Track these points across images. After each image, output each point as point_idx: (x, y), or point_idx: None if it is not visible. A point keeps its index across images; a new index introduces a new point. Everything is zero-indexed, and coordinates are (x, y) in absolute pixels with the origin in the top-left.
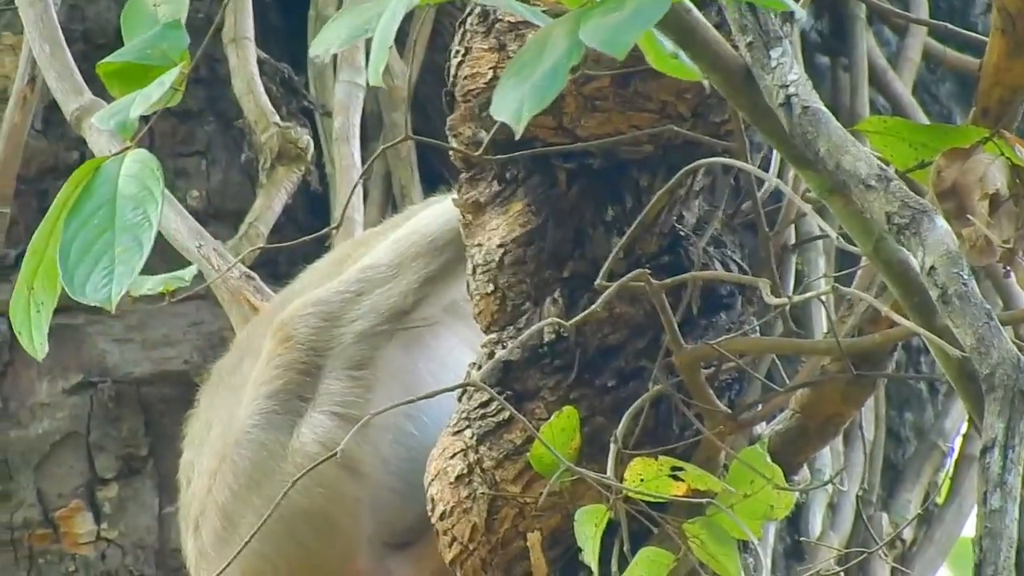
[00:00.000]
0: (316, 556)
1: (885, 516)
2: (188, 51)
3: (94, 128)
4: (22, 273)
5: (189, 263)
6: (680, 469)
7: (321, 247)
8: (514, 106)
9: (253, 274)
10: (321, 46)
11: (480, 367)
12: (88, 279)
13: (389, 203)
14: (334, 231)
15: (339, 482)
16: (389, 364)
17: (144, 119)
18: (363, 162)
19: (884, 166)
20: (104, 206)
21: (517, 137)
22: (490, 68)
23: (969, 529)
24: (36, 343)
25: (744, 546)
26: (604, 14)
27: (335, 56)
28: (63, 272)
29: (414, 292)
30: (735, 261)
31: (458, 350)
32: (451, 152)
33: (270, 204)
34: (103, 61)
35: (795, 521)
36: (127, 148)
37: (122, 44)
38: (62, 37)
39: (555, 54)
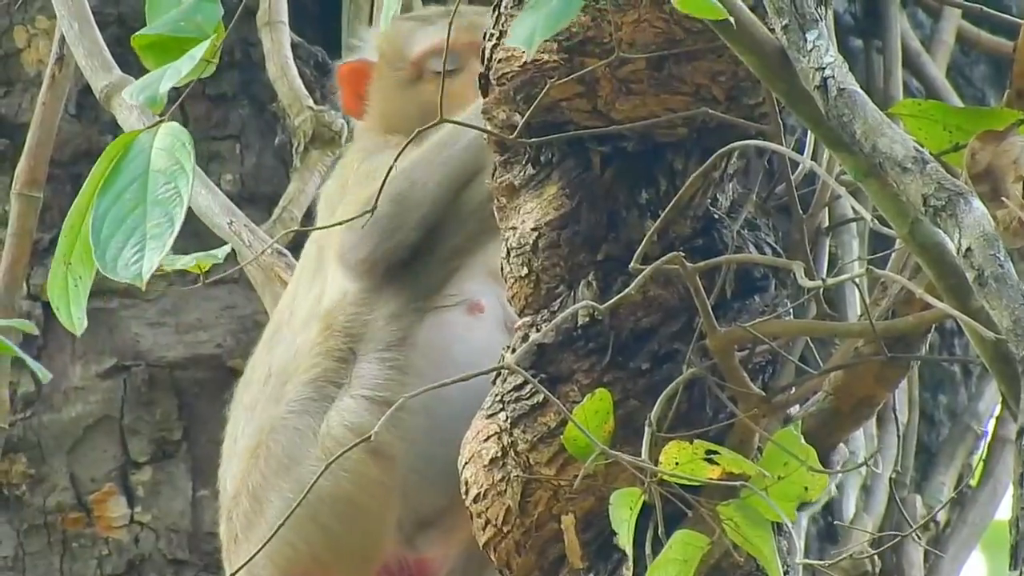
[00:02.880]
0: (341, 541)
1: (919, 498)
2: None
3: (124, 105)
4: (59, 248)
5: (222, 243)
6: (714, 452)
7: None
8: (527, 33)
9: (285, 251)
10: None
11: (514, 350)
12: (119, 255)
13: None
14: (368, 214)
15: (365, 466)
16: (421, 345)
17: (176, 95)
18: None
19: (920, 148)
20: (136, 180)
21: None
22: (524, 52)
23: (1003, 511)
24: (74, 318)
25: (778, 528)
26: None
27: None
28: (95, 248)
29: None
30: (769, 244)
31: (490, 332)
32: (485, 135)
33: (304, 187)
34: (138, 33)
35: (829, 504)
36: (160, 122)
37: None
38: (91, 15)
39: None
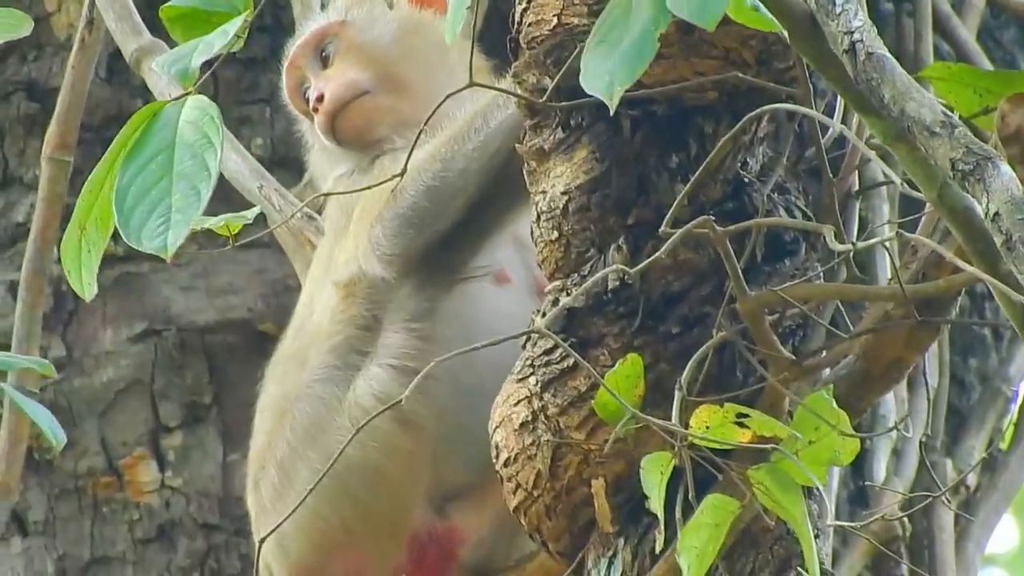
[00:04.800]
0: (371, 511)
1: (949, 462)
2: None
3: (153, 70)
4: (75, 213)
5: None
6: (745, 416)
7: None
8: (605, 79)
9: (315, 215)
10: None
11: (544, 314)
12: (144, 225)
13: None
14: (398, 179)
15: (393, 436)
16: (447, 316)
17: (206, 66)
18: None
19: (948, 112)
20: (163, 152)
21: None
22: (554, 15)
23: None
24: (84, 283)
25: (808, 492)
26: None
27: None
28: (119, 216)
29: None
30: (799, 207)
31: (517, 301)
32: (515, 99)
33: None
34: (166, 5)
35: (859, 467)
36: (187, 93)
37: None
38: None
39: (641, 21)
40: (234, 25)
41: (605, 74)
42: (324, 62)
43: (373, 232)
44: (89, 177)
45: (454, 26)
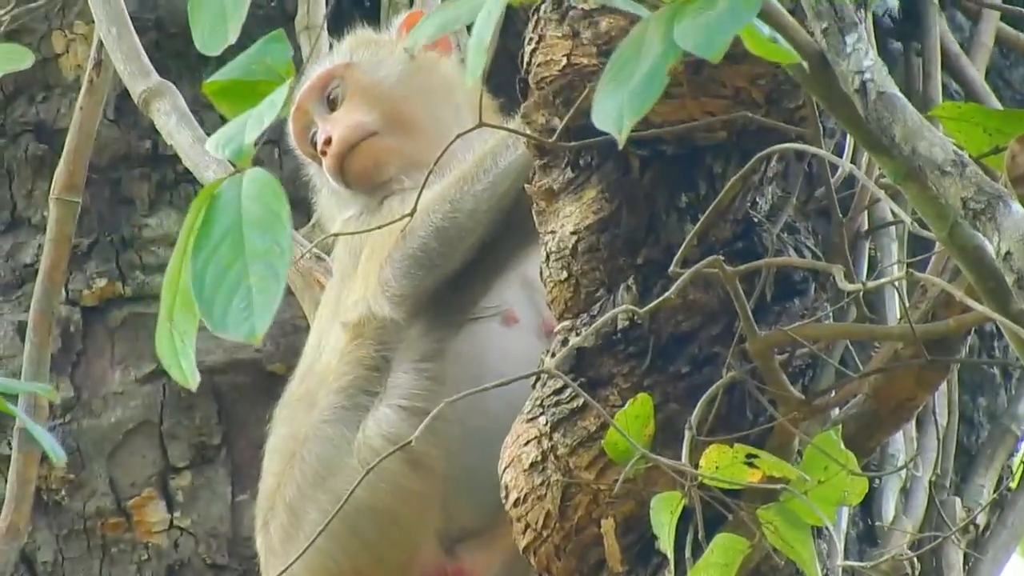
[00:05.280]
0: (380, 552)
1: (958, 501)
2: (292, 62)
3: (161, 110)
4: (162, 307)
5: None
6: (754, 456)
7: None
8: (614, 115)
9: (324, 256)
10: (412, 39)
11: (554, 354)
12: (227, 312)
13: None
14: (407, 219)
15: (403, 477)
16: (457, 356)
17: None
18: None
19: (959, 151)
20: (230, 233)
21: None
22: (563, 55)
23: None
24: (187, 373)
25: (818, 531)
26: (697, 13)
27: None
28: (201, 307)
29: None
30: (809, 247)
31: (525, 342)
32: (525, 139)
33: None
34: (209, 80)
35: (868, 506)
36: (240, 170)
37: None
38: (129, 20)
39: (651, 57)
40: (280, 94)
41: (614, 110)
42: (331, 105)
43: (383, 273)
44: (166, 270)
45: (475, 69)
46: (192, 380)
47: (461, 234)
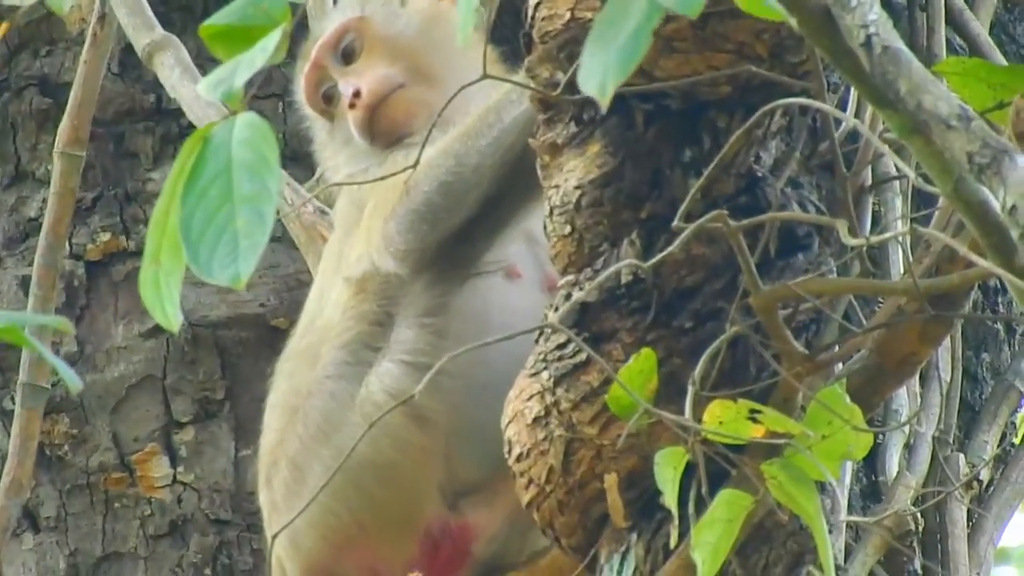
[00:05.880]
0: (384, 508)
1: (962, 457)
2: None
3: (166, 64)
4: (147, 249)
5: None
6: (758, 411)
7: None
8: (599, 77)
9: (327, 209)
10: None
11: (557, 309)
12: (213, 256)
13: None
14: (411, 170)
15: (407, 432)
16: (460, 311)
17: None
18: None
19: (964, 106)
20: (220, 176)
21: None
22: (567, 9)
23: None
24: (170, 315)
25: (821, 487)
26: None
27: None
28: (188, 251)
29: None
30: (812, 202)
31: (528, 296)
32: (529, 93)
33: None
34: (205, 24)
35: (872, 462)
36: (234, 112)
37: None
38: None
39: (635, 17)
40: (273, 39)
41: (599, 72)
42: (347, 59)
43: (386, 228)
44: (153, 212)
45: (466, 26)
46: (175, 323)
47: (466, 189)
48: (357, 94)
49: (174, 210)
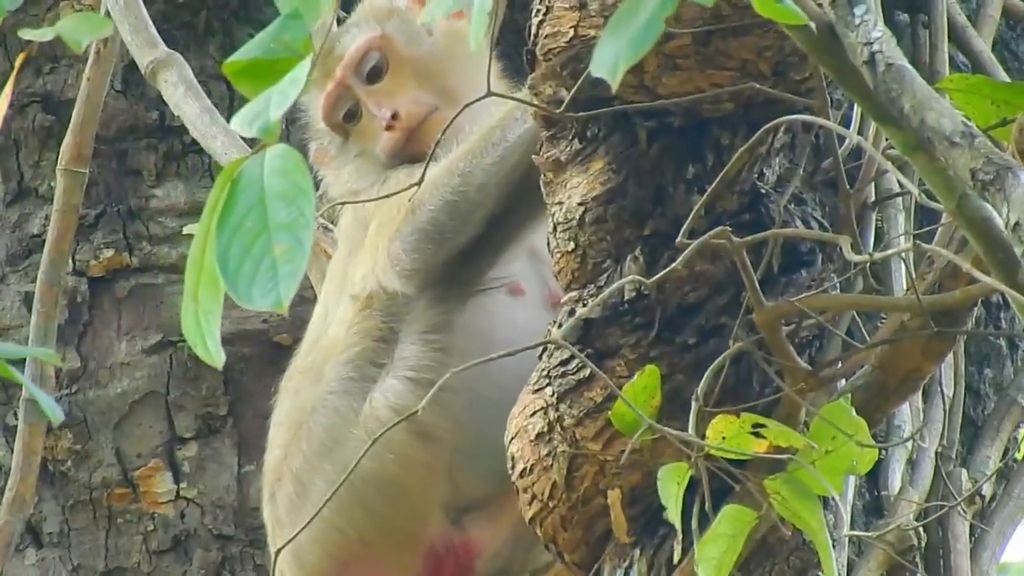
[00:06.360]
0: (387, 524)
1: (964, 472)
2: (310, 39)
3: (169, 81)
4: (186, 287)
5: None
6: (761, 426)
7: None
8: (611, 61)
9: (330, 226)
10: (428, 14)
11: (561, 325)
12: (253, 283)
13: None
14: (416, 187)
15: (411, 448)
16: (464, 328)
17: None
18: None
19: (968, 123)
20: (254, 208)
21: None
22: (571, 27)
23: None
24: (212, 352)
25: (824, 502)
26: None
27: None
28: (226, 281)
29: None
30: (816, 218)
31: (532, 313)
32: (532, 110)
33: None
34: (228, 61)
35: (874, 477)
36: (262, 146)
37: (201, 2)
38: None
39: (649, 7)
40: (302, 70)
41: (611, 56)
42: (372, 78)
43: (392, 247)
44: (189, 253)
45: (478, 32)
46: (218, 359)
47: (471, 208)
48: (395, 116)
49: (210, 246)
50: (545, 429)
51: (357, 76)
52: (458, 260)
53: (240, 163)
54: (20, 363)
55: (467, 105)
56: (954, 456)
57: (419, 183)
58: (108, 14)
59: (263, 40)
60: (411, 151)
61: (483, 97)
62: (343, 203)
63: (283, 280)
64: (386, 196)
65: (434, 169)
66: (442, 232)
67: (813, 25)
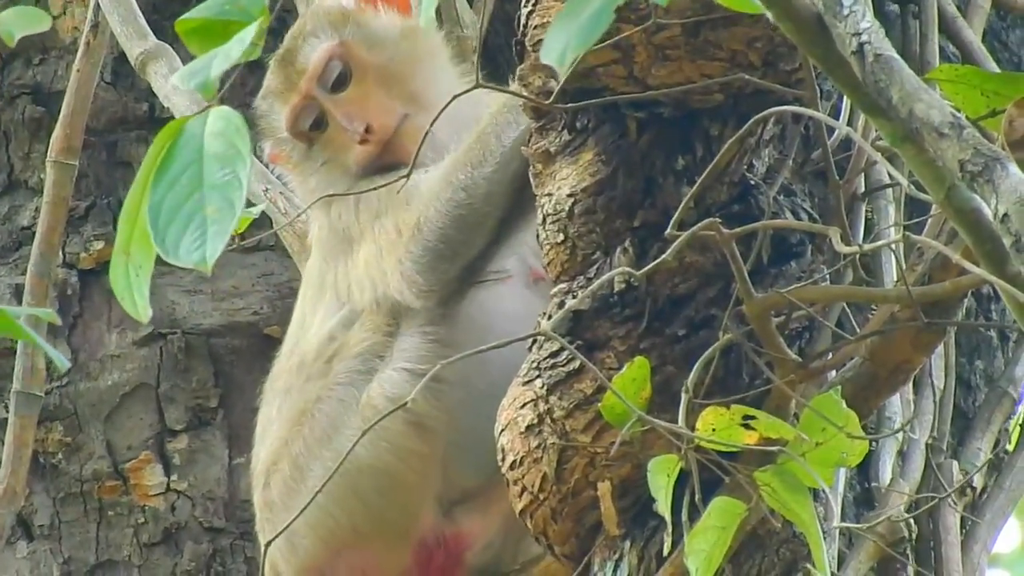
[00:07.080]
0: (380, 512)
1: (955, 464)
2: (267, 5)
3: (159, 73)
4: (118, 240)
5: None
6: (751, 418)
7: None
8: (559, 49)
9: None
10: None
11: (550, 317)
12: (180, 241)
13: None
14: (404, 180)
15: (405, 439)
16: (463, 321)
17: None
18: None
19: (957, 114)
20: (191, 166)
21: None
22: None
23: None
24: (139, 307)
25: (814, 494)
26: None
27: None
28: (155, 235)
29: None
30: (805, 210)
31: (521, 297)
32: (522, 103)
33: None
34: (182, 18)
35: (865, 469)
36: (208, 106)
37: None
38: None
39: None
40: (250, 33)
41: (560, 44)
42: (336, 87)
43: (404, 269)
44: (124, 204)
45: (428, 9)
46: (144, 314)
47: (480, 219)
48: (368, 130)
49: (145, 201)
50: (535, 421)
51: (321, 87)
52: (470, 268)
53: (184, 121)
54: (12, 355)
55: (455, 97)
56: (945, 448)
57: (407, 175)
58: (99, 5)
59: (219, 1)
60: (384, 160)
61: (471, 89)
62: (332, 196)
63: (211, 239)
64: (372, 188)
65: (431, 182)
66: (454, 248)
67: (770, 15)
